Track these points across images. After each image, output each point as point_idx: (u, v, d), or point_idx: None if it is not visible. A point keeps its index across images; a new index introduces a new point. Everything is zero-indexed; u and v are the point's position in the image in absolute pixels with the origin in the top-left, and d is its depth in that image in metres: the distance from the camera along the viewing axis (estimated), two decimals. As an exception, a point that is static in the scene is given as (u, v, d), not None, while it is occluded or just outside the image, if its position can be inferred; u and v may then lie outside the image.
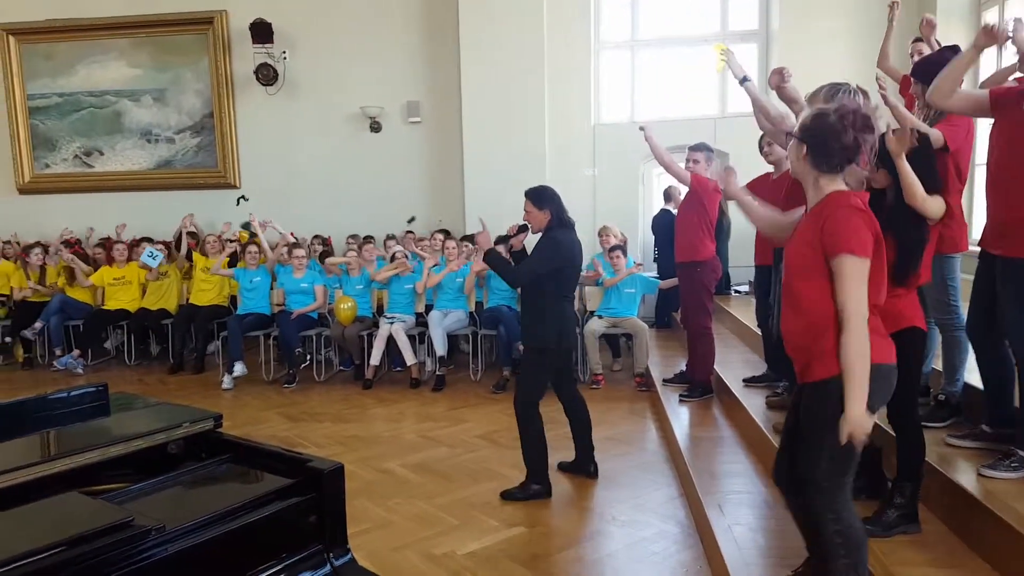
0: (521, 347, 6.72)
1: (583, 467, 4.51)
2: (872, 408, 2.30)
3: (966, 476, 3.09)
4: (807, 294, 2.37)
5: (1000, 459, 3.11)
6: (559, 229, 4.20)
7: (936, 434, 3.52)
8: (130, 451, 1.92)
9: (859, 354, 2.23)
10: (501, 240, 4.35)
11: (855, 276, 2.26)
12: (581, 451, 4.52)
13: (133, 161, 9.85)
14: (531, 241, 4.33)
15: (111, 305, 8.14)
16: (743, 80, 4.59)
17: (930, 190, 2.91)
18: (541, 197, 4.22)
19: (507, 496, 4.20)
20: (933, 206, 2.92)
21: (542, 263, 4.16)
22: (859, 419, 2.22)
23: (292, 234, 8.05)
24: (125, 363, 8.19)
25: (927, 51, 4.43)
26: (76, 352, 7.84)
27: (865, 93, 3.39)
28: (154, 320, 8.04)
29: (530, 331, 4.27)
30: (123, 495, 1.85)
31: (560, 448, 4.57)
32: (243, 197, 9.06)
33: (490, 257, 4.20)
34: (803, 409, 2.44)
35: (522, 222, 4.30)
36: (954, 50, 3.56)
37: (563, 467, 4.56)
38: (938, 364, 3.85)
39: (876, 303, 2.36)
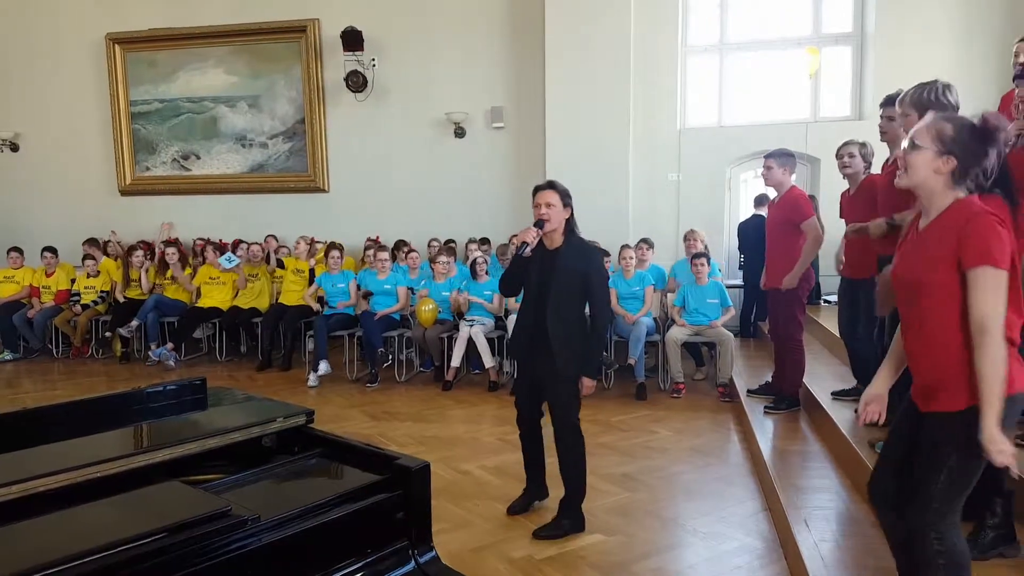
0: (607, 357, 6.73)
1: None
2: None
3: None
4: (937, 314, 2.23)
5: None
6: (579, 238, 3.97)
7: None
8: (227, 443, 1.99)
9: (997, 371, 2.11)
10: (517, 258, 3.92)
11: (994, 288, 2.13)
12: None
13: (228, 165, 10.23)
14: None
15: (205, 303, 8.47)
16: None
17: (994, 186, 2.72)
18: (569, 196, 4.01)
19: (540, 535, 3.80)
20: None
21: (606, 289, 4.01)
22: (995, 437, 2.10)
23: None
24: (216, 359, 8.53)
25: None
26: (170, 345, 8.18)
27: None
28: (245, 318, 8.33)
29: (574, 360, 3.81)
30: (220, 485, 1.92)
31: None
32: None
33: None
34: (926, 436, 2.29)
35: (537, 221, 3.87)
36: None
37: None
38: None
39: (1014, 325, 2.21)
